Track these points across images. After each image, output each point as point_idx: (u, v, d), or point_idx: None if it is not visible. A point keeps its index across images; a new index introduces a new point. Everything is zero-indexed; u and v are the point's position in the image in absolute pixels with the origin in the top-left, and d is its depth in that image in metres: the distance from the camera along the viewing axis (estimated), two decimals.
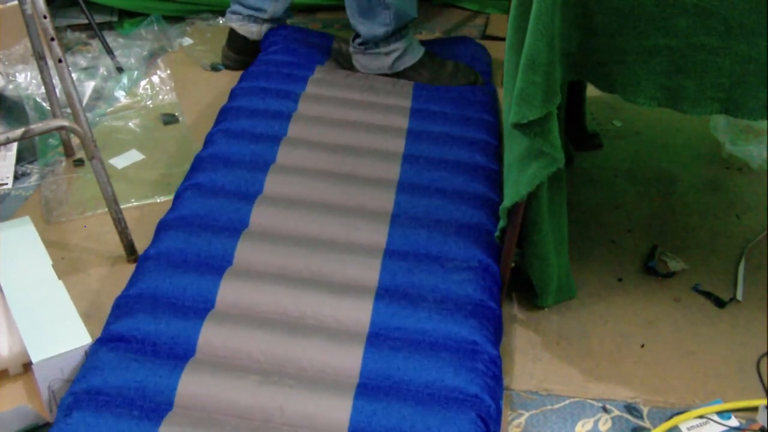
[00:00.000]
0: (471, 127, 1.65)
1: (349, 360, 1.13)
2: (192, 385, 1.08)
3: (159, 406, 1.06)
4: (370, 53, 1.84)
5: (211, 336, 1.15)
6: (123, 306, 1.19)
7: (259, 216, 1.36)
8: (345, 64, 1.92)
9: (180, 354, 1.13)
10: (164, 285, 1.22)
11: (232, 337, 1.14)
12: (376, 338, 1.16)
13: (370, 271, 1.27)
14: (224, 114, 1.64)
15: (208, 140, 1.56)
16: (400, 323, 1.19)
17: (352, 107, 1.68)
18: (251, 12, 1.99)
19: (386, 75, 1.86)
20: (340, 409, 1.06)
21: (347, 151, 1.53)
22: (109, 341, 1.14)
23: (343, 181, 1.45)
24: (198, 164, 1.48)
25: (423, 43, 1.99)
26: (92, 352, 1.12)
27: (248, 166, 1.47)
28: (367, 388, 1.09)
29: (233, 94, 1.72)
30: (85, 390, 1.07)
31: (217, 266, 1.26)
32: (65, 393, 1.08)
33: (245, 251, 1.29)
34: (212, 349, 1.14)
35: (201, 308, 1.19)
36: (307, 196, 1.42)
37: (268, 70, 1.80)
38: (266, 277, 1.24)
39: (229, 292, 1.21)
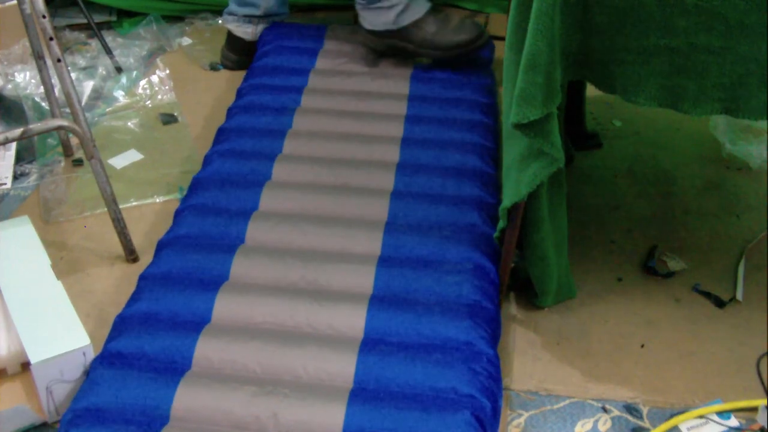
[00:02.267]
0: (466, 130, 1.65)
1: (344, 366, 1.13)
2: (187, 399, 1.08)
3: (155, 421, 1.07)
4: (373, 8, 1.83)
5: (206, 349, 1.15)
6: (122, 324, 1.20)
7: (255, 231, 1.37)
8: (340, 49, 1.92)
9: (176, 368, 1.13)
10: (162, 303, 1.23)
11: (227, 350, 1.15)
12: (371, 343, 1.16)
13: (364, 279, 1.27)
14: (222, 134, 1.65)
15: (206, 161, 1.57)
16: (394, 327, 1.19)
17: (347, 117, 1.68)
18: (246, 10, 1.98)
19: (391, 31, 1.85)
20: (334, 414, 1.06)
21: (342, 163, 1.54)
22: (107, 359, 1.15)
23: (338, 192, 1.46)
24: (196, 185, 1.49)
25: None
26: (92, 369, 1.13)
27: (244, 184, 1.48)
28: (361, 393, 1.09)
29: (230, 114, 1.73)
30: (84, 408, 1.08)
31: (213, 282, 1.27)
32: (65, 411, 1.09)
33: (241, 266, 1.29)
34: (208, 362, 1.14)
35: (197, 323, 1.20)
36: (303, 209, 1.42)
37: (262, 83, 1.80)
38: (261, 289, 1.25)
39: (224, 305, 1.22)
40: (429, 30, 1.84)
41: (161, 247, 1.36)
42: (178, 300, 1.23)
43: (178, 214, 1.43)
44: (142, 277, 1.29)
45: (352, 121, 1.68)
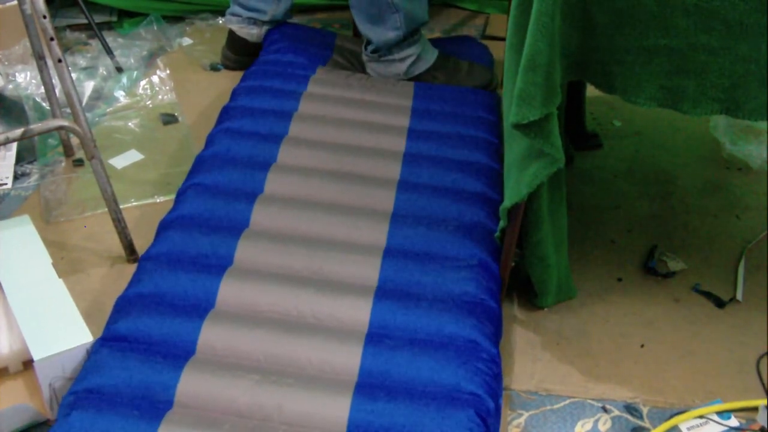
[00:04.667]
0: (472, 125, 1.65)
1: (348, 358, 1.13)
2: (191, 384, 1.08)
3: (159, 405, 1.06)
4: (384, 60, 1.83)
5: (210, 335, 1.15)
6: (124, 306, 1.19)
7: (260, 215, 1.36)
8: (348, 62, 1.91)
9: (180, 353, 1.13)
10: (165, 285, 1.22)
11: (231, 337, 1.15)
12: (375, 337, 1.16)
13: (369, 270, 1.27)
14: (226, 113, 1.64)
15: (210, 140, 1.56)
16: (399, 322, 1.19)
17: (354, 106, 1.68)
18: (251, 14, 1.98)
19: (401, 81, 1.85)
20: (339, 407, 1.06)
21: (348, 151, 1.53)
22: (110, 341, 1.14)
23: (343, 180, 1.45)
24: (199, 164, 1.48)
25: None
26: (93, 352, 1.12)
27: (249, 165, 1.46)
28: (366, 387, 1.09)
29: (235, 94, 1.72)
30: (86, 389, 1.07)
31: (218, 266, 1.26)
32: (66, 392, 1.08)
33: (245, 251, 1.29)
34: (212, 348, 1.14)
35: (201, 308, 1.19)
36: (308, 196, 1.42)
37: (269, 69, 1.80)
38: (266, 276, 1.24)
39: (229, 291, 1.21)
40: (440, 78, 1.84)
41: (163, 227, 1.34)
42: (182, 283, 1.22)
43: (180, 193, 1.42)
44: (144, 258, 1.28)
45: (359, 109, 1.67)
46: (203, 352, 1.14)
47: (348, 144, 1.55)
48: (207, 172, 1.45)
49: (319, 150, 1.52)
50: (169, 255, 1.28)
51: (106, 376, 1.08)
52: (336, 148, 1.53)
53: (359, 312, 1.20)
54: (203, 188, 1.41)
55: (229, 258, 1.28)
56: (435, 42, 2.03)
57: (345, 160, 1.50)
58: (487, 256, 1.31)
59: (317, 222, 1.35)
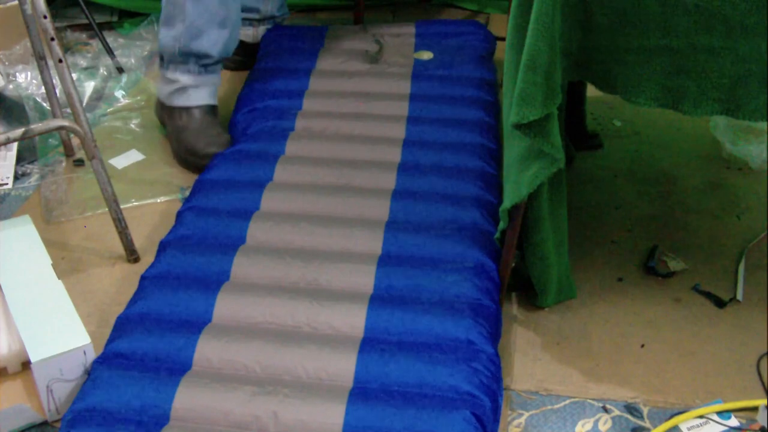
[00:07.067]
0: (467, 130, 1.65)
1: (343, 365, 1.13)
2: (187, 399, 1.09)
3: (155, 421, 1.07)
4: None
5: (206, 349, 1.15)
6: (123, 325, 1.21)
7: (256, 231, 1.37)
8: (339, 48, 1.92)
9: (176, 369, 1.14)
10: (163, 303, 1.23)
11: (227, 350, 1.15)
12: (370, 342, 1.16)
13: (365, 278, 1.28)
14: None
15: (209, 163, 1.58)
16: (394, 326, 1.19)
17: (349, 119, 1.68)
18: (245, 14, 1.98)
19: None
20: (333, 414, 1.06)
21: (344, 164, 1.54)
22: (108, 359, 1.16)
23: (339, 192, 1.46)
24: (198, 186, 1.50)
25: (425, 23, 1.99)
26: (93, 371, 1.14)
27: (246, 186, 1.48)
28: (361, 392, 1.09)
29: (233, 116, 1.74)
30: (85, 408, 1.08)
31: (214, 281, 1.27)
32: (66, 411, 1.10)
33: (241, 266, 1.30)
34: (208, 362, 1.15)
35: (198, 323, 1.20)
36: (303, 210, 1.43)
37: (263, 87, 1.81)
38: (262, 289, 1.25)
39: (225, 306, 1.23)
40: None
41: (163, 247, 1.36)
42: (180, 300, 1.23)
43: (180, 214, 1.43)
44: (144, 278, 1.29)
45: (354, 122, 1.68)
46: (199, 365, 1.15)
47: (344, 158, 1.56)
48: (205, 193, 1.47)
49: (315, 166, 1.53)
50: (168, 274, 1.29)
51: (104, 394, 1.09)
52: (332, 163, 1.54)
53: (354, 319, 1.20)
54: (201, 209, 1.43)
55: (226, 273, 1.29)
56: (435, 23, 2.04)
57: (341, 174, 1.51)
58: (483, 257, 1.31)
59: (313, 234, 1.36)
